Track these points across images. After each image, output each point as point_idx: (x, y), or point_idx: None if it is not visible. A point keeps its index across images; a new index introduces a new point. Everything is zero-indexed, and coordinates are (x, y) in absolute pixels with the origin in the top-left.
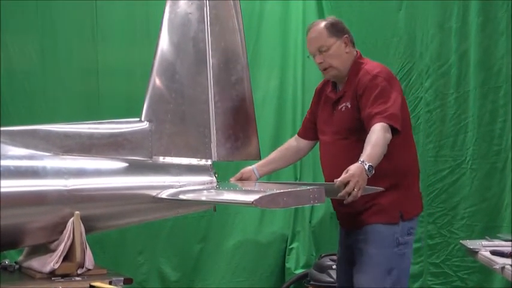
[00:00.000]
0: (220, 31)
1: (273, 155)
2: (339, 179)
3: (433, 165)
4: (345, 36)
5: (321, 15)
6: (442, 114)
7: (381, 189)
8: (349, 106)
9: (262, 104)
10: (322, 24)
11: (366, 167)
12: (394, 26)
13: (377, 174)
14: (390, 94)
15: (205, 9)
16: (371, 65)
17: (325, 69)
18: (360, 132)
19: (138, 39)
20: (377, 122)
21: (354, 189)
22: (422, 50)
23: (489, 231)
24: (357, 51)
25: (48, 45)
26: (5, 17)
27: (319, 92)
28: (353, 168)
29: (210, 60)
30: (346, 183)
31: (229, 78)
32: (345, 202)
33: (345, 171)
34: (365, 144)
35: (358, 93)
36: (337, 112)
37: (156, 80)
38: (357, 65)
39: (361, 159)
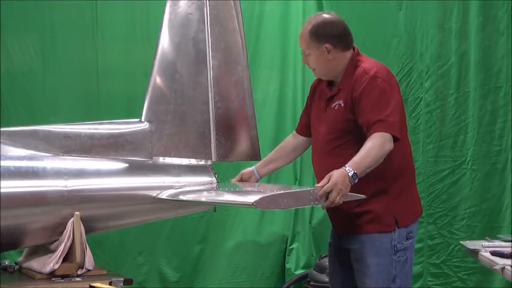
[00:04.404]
0: (220, 31)
1: (272, 154)
2: (323, 188)
3: (433, 165)
4: (326, 45)
5: None
6: (442, 114)
7: (363, 196)
8: (342, 105)
9: (262, 104)
10: (309, 27)
11: (350, 174)
12: (394, 26)
13: (368, 177)
14: (390, 97)
15: (205, 9)
16: (369, 64)
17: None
18: (352, 134)
19: (138, 39)
20: (378, 131)
21: (336, 198)
22: (422, 50)
23: (489, 231)
24: (354, 48)
25: (48, 45)
26: (5, 17)
27: (315, 87)
28: (336, 174)
29: (210, 61)
30: (329, 192)
31: (229, 79)
32: (322, 208)
33: (327, 176)
34: (360, 150)
35: (354, 95)
36: (330, 109)
37: (156, 81)
38: (354, 62)
39: (347, 165)
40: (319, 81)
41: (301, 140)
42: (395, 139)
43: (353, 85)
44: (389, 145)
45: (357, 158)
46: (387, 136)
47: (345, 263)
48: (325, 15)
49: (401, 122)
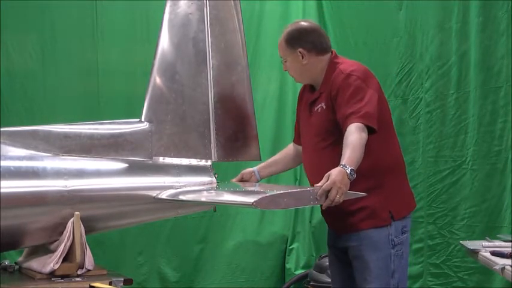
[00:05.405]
0: (220, 31)
1: (275, 157)
2: (322, 187)
3: (434, 165)
4: (299, 49)
5: (321, 15)
6: (443, 114)
7: (363, 194)
8: (324, 107)
9: (262, 104)
10: (284, 33)
11: (348, 171)
12: (394, 26)
13: (360, 174)
14: (365, 92)
15: (205, 9)
16: (346, 64)
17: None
18: (337, 133)
19: (138, 39)
20: (352, 123)
21: (336, 196)
22: (423, 50)
23: (489, 231)
24: (332, 52)
25: (48, 45)
26: (5, 17)
27: (301, 95)
28: (334, 173)
29: (210, 61)
30: (328, 190)
31: (229, 79)
32: (323, 207)
33: (326, 176)
34: (343, 147)
35: (332, 94)
36: (314, 114)
37: (156, 81)
38: (332, 65)
39: (342, 163)
40: (304, 88)
41: (300, 149)
42: (371, 129)
43: (331, 86)
44: (364, 134)
45: (347, 154)
46: (360, 126)
47: (344, 261)
48: (301, 23)
49: (384, 117)
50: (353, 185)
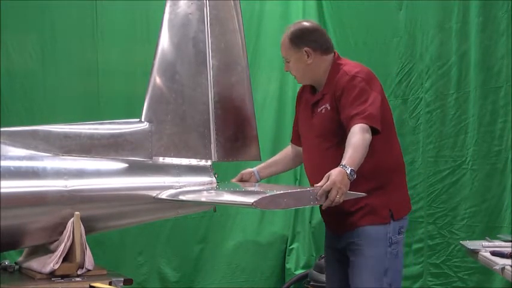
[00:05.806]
0: (220, 32)
1: (274, 158)
2: (322, 187)
3: (434, 165)
4: (305, 48)
5: (321, 16)
6: (443, 114)
7: (363, 194)
8: (329, 108)
9: (262, 104)
10: (288, 32)
11: (348, 171)
12: (394, 26)
13: (362, 175)
14: (369, 94)
15: (205, 9)
16: (350, 66)
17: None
18: (341, 134)
19: (138, 39)
20: (356, 123)
21: (336, 196)
22: (423, 50)
23: (489, 231)
24: (334, 53)
25: (48, 45)
26: (5, 17)
27: (300, 96)
28: (334, 173)
29: (210, 61)
30: (328, 191)
31: (229, 79)
32: (323, 207)
33: (326, 176)
34: (345, 147)
35: (336, 95)
36: (317, 115)
37: (156, 81)
38: (336, 66)
39: (343, 163)
40: (303, 89)
41: (298, 149)
42: (374, 130)
43: (335, 87)
44: (368, 135)
45: (348, 154)
46: (365, 127)
47: (341, 262)
48: (304, 23)
49: (386, 119)
50: (356, 186)
